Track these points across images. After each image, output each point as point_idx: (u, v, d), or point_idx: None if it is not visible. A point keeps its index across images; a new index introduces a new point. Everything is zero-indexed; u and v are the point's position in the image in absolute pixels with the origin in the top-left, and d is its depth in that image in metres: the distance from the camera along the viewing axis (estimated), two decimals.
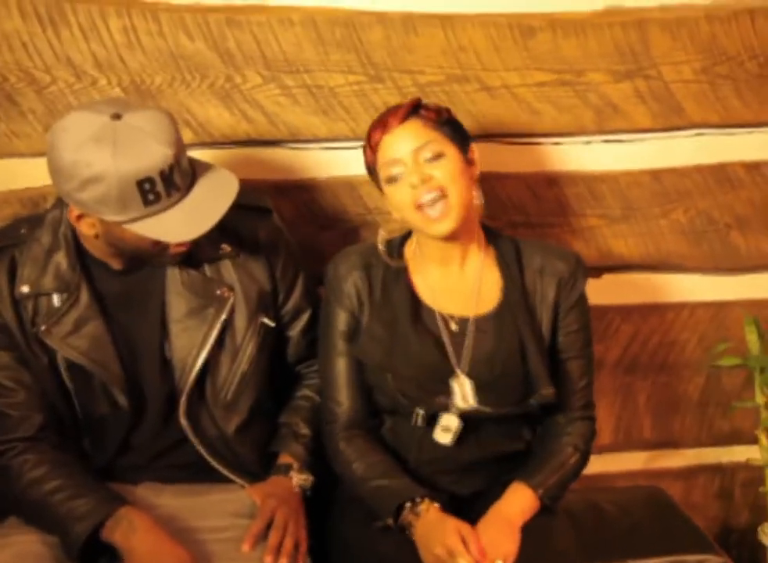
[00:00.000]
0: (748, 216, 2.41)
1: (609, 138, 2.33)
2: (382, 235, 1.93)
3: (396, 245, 1.98)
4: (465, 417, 1.88)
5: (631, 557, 2.14)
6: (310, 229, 2.29)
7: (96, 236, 1.82)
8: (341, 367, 1.95)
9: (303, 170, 2.26)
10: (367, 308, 1.93)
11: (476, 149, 1.92)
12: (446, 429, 1.90)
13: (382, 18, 2.19)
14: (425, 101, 1.91)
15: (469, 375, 1.89)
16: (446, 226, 1.82)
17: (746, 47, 2.29)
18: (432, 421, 1.90)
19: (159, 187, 1.71)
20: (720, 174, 2.38)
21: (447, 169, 1.82)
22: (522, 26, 2.23)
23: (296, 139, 2.24)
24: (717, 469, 2.56)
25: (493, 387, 1.88)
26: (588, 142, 2.33)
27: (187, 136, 2.18)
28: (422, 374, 1.88)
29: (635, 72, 2.28)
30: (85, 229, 1.81)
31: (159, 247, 1.81)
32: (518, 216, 2.34)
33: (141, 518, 1.80)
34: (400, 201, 1.84)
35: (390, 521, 1.81)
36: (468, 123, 2.23)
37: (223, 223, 1.91)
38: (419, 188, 1.80)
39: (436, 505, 1.81)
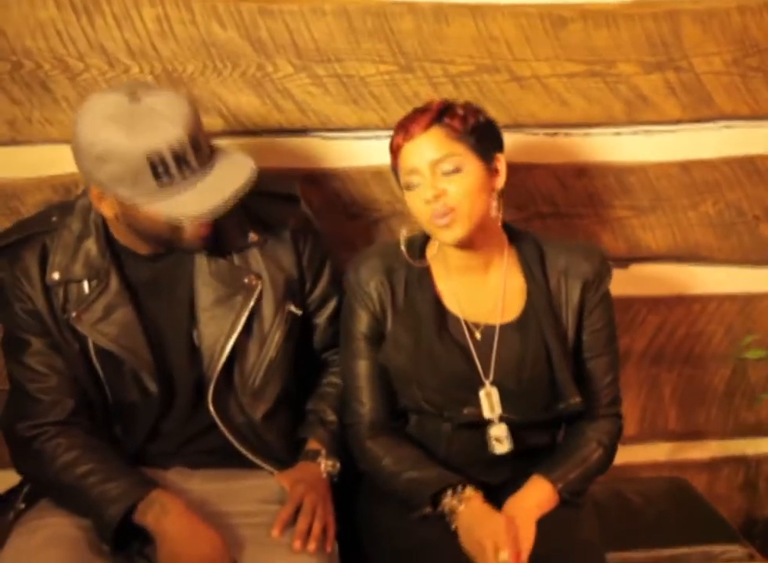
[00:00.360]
0: None
1: (639, 130, 2.32)
2: (403, 235, 1.91)
3: (418, 245, 1.95)
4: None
5: (656, 547, 2.14)
6: (340, 218, 2.29)
7: (116, 217, 1.82)
8: (363, 369, 1.94)
9: (333, 159, 2.26)
10: (390, 313, 1.91)
11: (503, 159, 1.85)
12: (500, 439, 1.88)
13: (413, 8, 2.18)
14: (454, 103, 1.84)
15: (496, 384, 1.87)
16: (454, 235, 1.79)
17: None
18: (461, 429, 1.89)
19: (171, 165, 1.71)
20: (749, 166, 2.36)
21: (463, 185, 1.77)
22: (553, 17, 2.22)
23: (327, 128, 2.24)
24: (742, 461, 2.55)
25: (520, 396, 1.87)
26: (618, 133, 2.32)
27: (218, 124, 2.20)
28: (448, 384, 1.87)
29: (666, 63, 2.26)
30: (105, 210, 1.81)
31: (175, 230, 1.80)
32: (547, 207, 2.33)
33: (174, 501, 1.80)
34: (414, 209, 1.82)
35: (429, 509, 1.80)
36: (497, 113, 2.24)
37: (250, 211, 1.94)
38: (433, 204, 1.77)
39: (480, 493, 1.81)
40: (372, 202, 2.29)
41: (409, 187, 1.81)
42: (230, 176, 1.77)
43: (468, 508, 1.78)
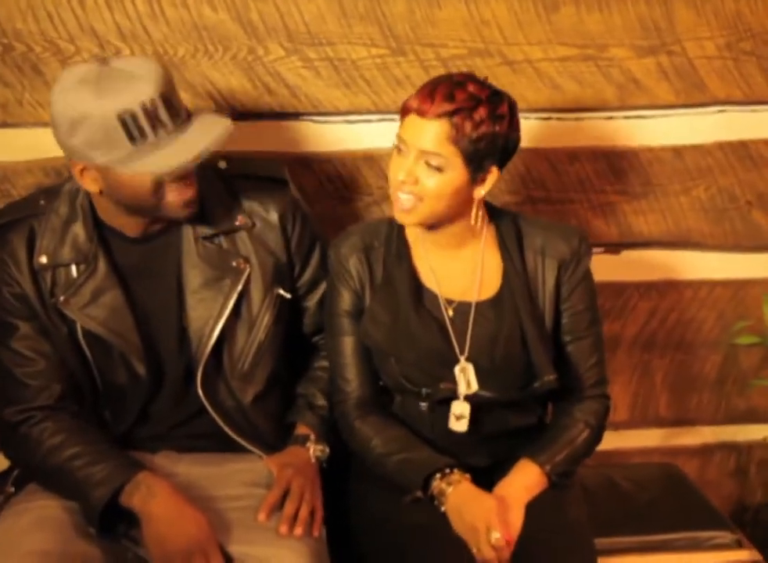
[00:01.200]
0: None
1: (631, 114, 2.27)
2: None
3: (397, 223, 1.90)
4: (474, 402, 1.84)
5: (645, 532, 2.13)
6: (332, 201, 2.26)
7: (101, 192, 1.78)
8: (348, 345, 1.91)
9: (325, 143, 2.22)
10: (369, 290, 1.89)
11: (496, 173, 1.76)
12: (460, 417, 1.85)
13: None
14: (482, 100, 1.71)
15: (471, 361, 1.84)
16: (405, 219, 1.78)
17: None
18: (437, 405, 1.86)
19: (143, 123, 1.67)
20: (742, 152, 2.32)
21: (437, 184, 1.72)
22: (546, 0, 2.17)
23: (318, 112, 2.20)
24: (733, 447, 2.52)
25: (495, 373, 1.84)
26: (610, 118, 2.27)
27: (209, 107, 2.16)
28: (425, 359, 1.84)
29: (658, 47, 2.22)
30: (89, 184, 1.77)
31: (157, 195, 1.76)
32: (538, 192, 2.30)
33: (160, 483, 1.78)
34: (390, 172, 1.78)
35: (419, 493, 1.78)
36: None
37: (238, 195, 1.91)
38: (403, 183, 1.73)
39: (468, 476, 1.78)
40: (364, 186, 2.25)
41: (395, 148, 1.77)
42: (205, 132, 1.74)
43: (456, 491, 1.75)
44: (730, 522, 2.18)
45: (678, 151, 2.30)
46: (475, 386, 1.83)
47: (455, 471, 1.79)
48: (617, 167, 2.30)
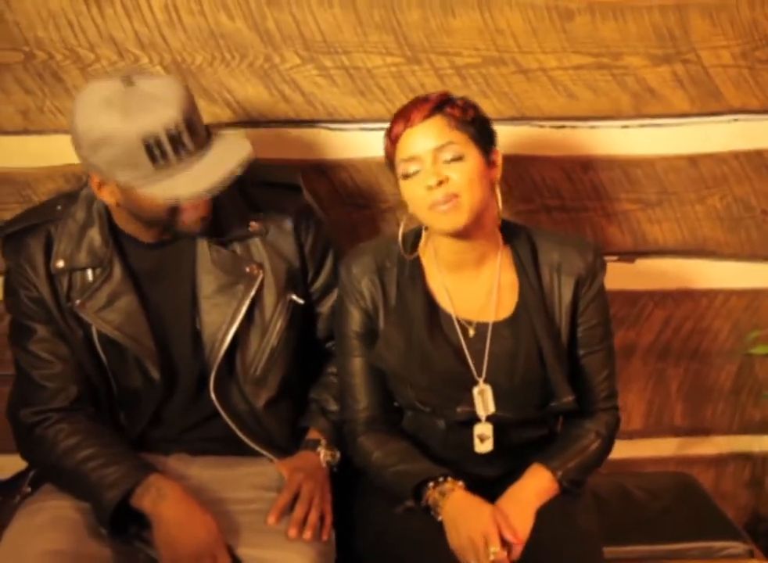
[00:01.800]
0: None
1: (646, 123, 2.24)
2: (403, 225, 1.84)
3: (411, 241, 1.88)
4: (492, 421, 1.82)
5: (657, 541, 2.08)
6: (346, 208, 2.24)
7: (117, 204, 1.78)
8: (357, 366, 1.88)
9: (340, 150, 2.21)
10: (382, 312, 1.85)
11: (500, 154, 1.80)
12: (483, 438, 1.83)
13: (420, 0, 2.13)
14: (453, 96, 1.79)
15: (489, 382, 1.81)
16: (455, 222, 1.71)
17: None
18: (455, 427, 1.84)
19: (167, 147, 1.67)
20: (758, 160, 2.28)
21: (465, 172, 1.71)
22: (560, 9, 2.15)
23: (333, 119, 2.19)
24: (748, 457, 2.47)
25: (513, 394, 1.81)
26: (625, 126, 2.24)
27: (226, 115, 2.17)
28: (441, 383, 1.81)
29: (673, 56, 2.19)
30: (106, 197, 1.78)
31: (174, 213, 1.77)
32: (553, 200, 2.27)
33: (171, 485, 1.77)
34: (414, 198, 1.74)
35: (411, 502, 1.75)
36: (503, 105, 2.20)
37: (252, 201, 1.91)
38: (435, 190, 1.70)
39: (461, 483, 1.75)
40: (378, 193, 2.24)
41: (407, 175, 1.74)
42: (226, 157, 1.73)
43: (450, 501, 1.72)
44: (742, 533, 2.13)
45: (693, 159, 2.27)
46: (491, 408, 1.80)
47: (448, 479, 1.76)
48: (632, 176, 2.27)
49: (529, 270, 1.83)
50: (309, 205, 1.99)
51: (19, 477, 1.97)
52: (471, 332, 1.83)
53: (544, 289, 1.83)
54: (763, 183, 2.29)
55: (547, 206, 2.27)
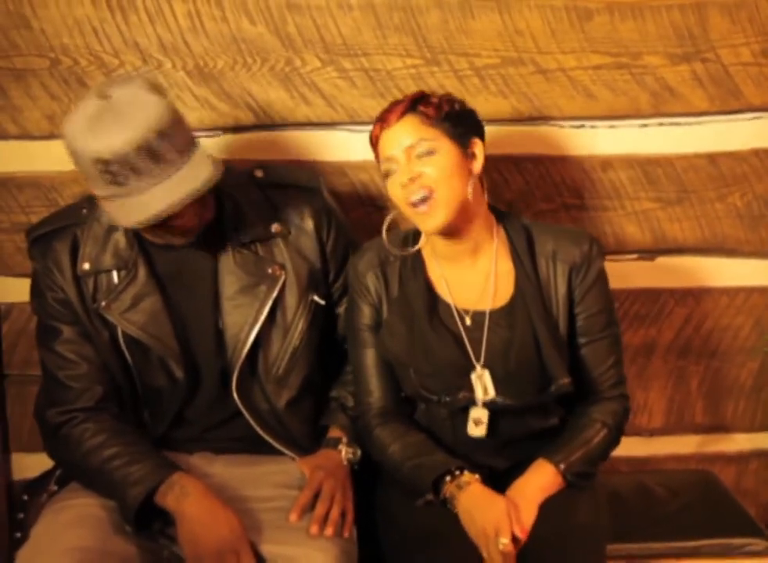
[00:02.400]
0: None
1: (665, 122, 2.21)
2: (386, 229, 1.86)
3: (411, 236, 1.90)
4: (492, 409, 1.81)
5: (677, 538, 2.06)
6: (366, 209, 2.23)
7: None
8: (370, 358, 1.89)
9: (360, 152, 2.16)
10: (386, 303, 1.87)
11: (480, 144, 1.79)
12: (478, 422, 1.82)
13: (439, 2, 2.12)
14: (430, 94, 1.80)
15: (487, 368, 1.81)
16: (434, 222, 1.74)
17: None
18: (457, 413, 1.83)
19: (115, 168, 1.63)
20: None
21: (438, 166, 1.73)
22: (579, 9, 2.13)
23: (354, 121, 2.18)
24: None
25: (511, 379, 1.80)
26: (644, 125, 2.21)
27: (248, 118, 2.16)
28: (442, 369, 1.82)
29: (693, 55, 2.16)
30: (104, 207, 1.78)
31: (148, 229, 1.76)
32: (573, 199, 2.24)
33: (194, 483, 1.77)
34: (394, 196, 1.78)
35: (431, 496, 1.75)
36: (523, 105, 2.18)
37: (274, 203, 1.91)
38: (408, 186, 1.73)
39: (477, 477, 1.75)
40: None
41: (387, 174, 1.78)
42: (186, 180, 1.67)
43: (466, 493, 1.73)
44: (763, 530, 2.10)
45: (713, 158, 2.23)
46: (492, 392, 1.81)
47: (465, 472, 1.76)
48: (651, 175, 2.24)
49: (525, 259, 1.84)
50: (329, 206, 1.98)
51: (45, 476, 1.98)
52: (468, 321, 1.84)
53: (540, 278, 1.83)
54: None
55: (567, 205, 2.24)
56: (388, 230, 1.86)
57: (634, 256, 2.28)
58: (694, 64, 2.17)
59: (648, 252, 2.29)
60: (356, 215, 2.19)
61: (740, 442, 2.42)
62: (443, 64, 2.14)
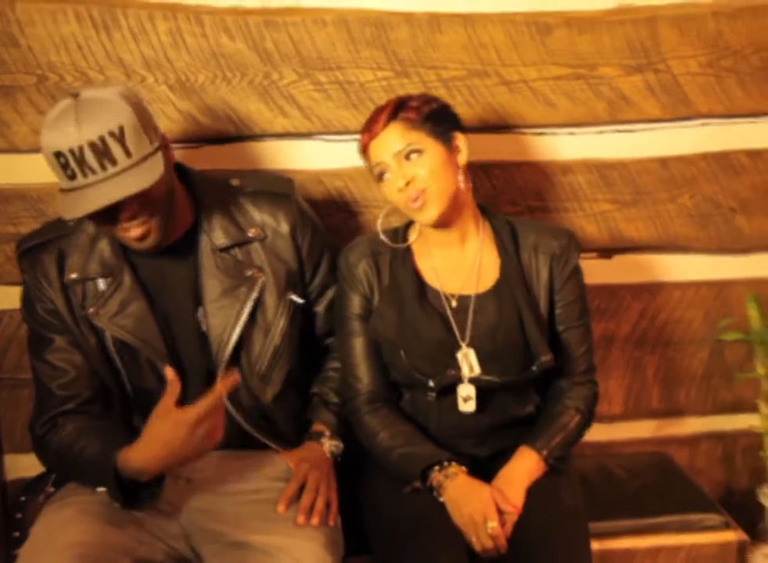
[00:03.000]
0: (751, 200, 2.35)
1: (621, 128, 2.29)
2: (381, 219, 1.95)
3: (402, 231, 1.98)
4: (478, 386, 1.88)
5: (639, 516, 2.12)
6: (343, 214, 2.27)
7: None
8: (358, 346, 1.95)
9: (336, 160, 2.24)
10: (377, 291, 1.93)
11: (461, 137, 1.87)
12: (467, 398, 1.89)
13: (408, 18, 2.17)
14: (407, 98, 1.87)
15: (473, 347, 1.88)
16: (430, 215, 1.82)
17: (750, 42, 2.24)
18: (444, 392, 1.89)
19: (72, 163, 1.68)
20: (725, 161, 2.32)
21: (428, 165, 1.81)
22: (539, 24, 2.19)
23: (329, 131, 2.22)
24: (720, 436, 2.51)
25: (496, 357, 1.87)
26: (601, 132, 2.29)
27: (229, 130, 2.19)
28: (432, 350, 1.88)
29: (645, 66, 2.23)
30: None
31: (105, 231, 1.82)
32: (536, 202, 2.31)
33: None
34: (390, 198, 1.86)
35: (418, 483, 1.81)
36: (488, 115, 2.23)
37: (251, 209, 1.94)
38: (405, 191, 1.81)
39: (464, 468, 1.82)
40: (372, 200, 2.26)
41: (381, 178, 1.86)
42: (125, 183, 1.70)
43: (453, 483, 1.79)
44: (718, 506, 2.18)
45: (665, 162, 2.31)
46: (477, 370, 1.87)
47: (452, 463, 1.82)
48: (608, 178, 2.31)
49: (509, 248, 1.92)
50: (303, 210, 2.01)
51: (41, 478, 1.99)
52: (454, 303, 1.91)
53: (524, 267, 1.92)
54: (730, 182, 2.33)
55: (531, 207, 2.30)
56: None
57: (593, 254, 2.35)
58: (646, 75, 2.24)
59: (606, 251, 2.36)
60: (332, 220, 2.23)
61: (692, 425, 2.50)
62: (412, 76, 2.19)
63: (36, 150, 2.11)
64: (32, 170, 2.16)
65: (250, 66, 2.16)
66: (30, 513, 1.91)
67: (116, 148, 1.69)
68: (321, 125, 2.21)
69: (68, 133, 1.67)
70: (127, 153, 1.70)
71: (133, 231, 1.78)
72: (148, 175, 1.72)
